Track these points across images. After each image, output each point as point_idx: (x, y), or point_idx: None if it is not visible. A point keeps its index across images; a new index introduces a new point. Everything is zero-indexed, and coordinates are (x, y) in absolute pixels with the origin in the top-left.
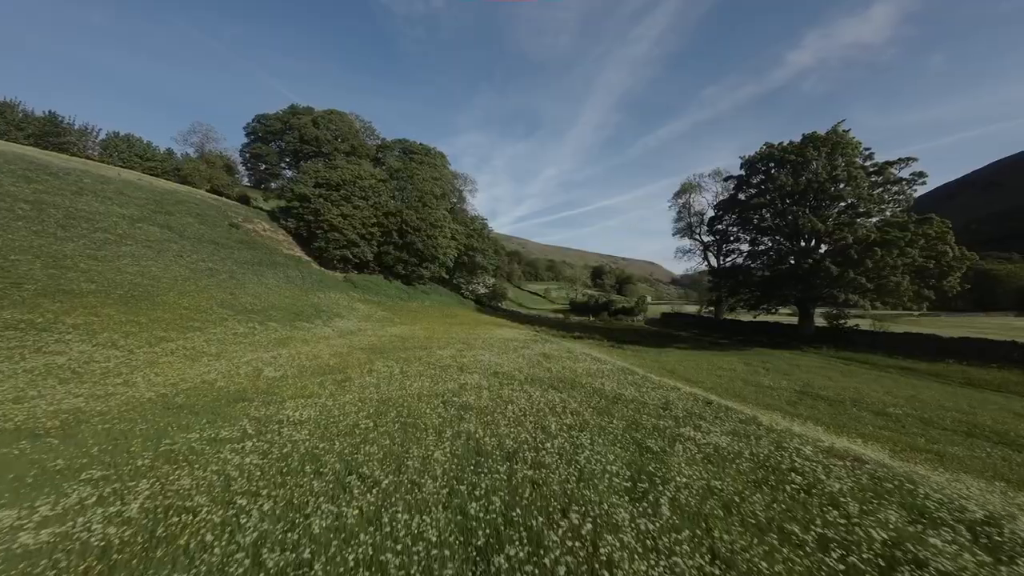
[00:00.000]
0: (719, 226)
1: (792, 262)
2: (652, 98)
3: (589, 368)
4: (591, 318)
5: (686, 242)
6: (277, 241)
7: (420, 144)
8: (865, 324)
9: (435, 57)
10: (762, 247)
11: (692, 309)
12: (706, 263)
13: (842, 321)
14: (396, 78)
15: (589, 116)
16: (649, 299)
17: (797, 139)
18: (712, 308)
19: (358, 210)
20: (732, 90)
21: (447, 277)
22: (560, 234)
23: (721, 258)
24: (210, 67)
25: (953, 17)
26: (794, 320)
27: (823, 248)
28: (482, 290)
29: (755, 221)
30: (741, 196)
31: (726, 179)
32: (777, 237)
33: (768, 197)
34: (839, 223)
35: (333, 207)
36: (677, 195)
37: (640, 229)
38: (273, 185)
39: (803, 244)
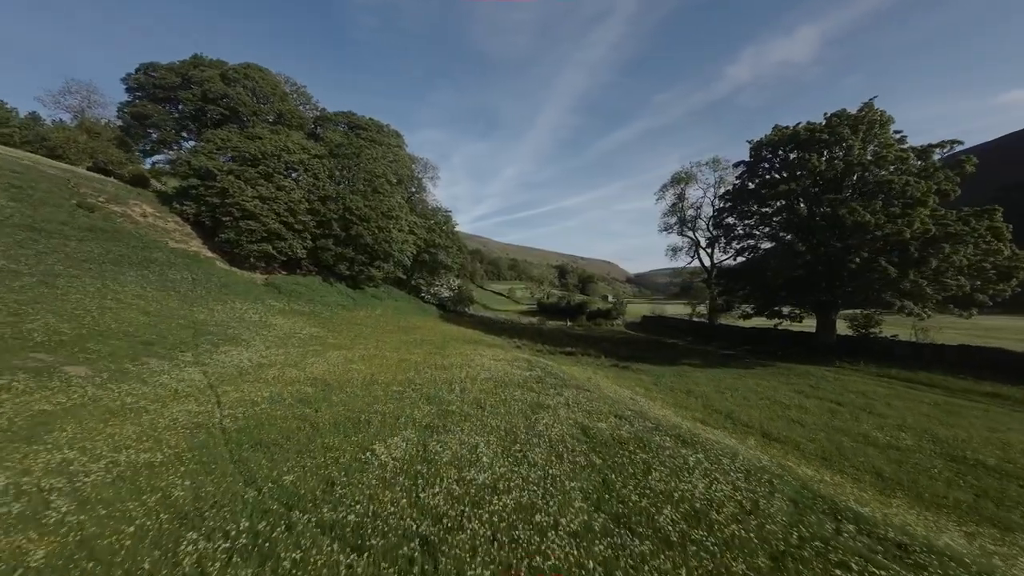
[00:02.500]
0: (728, 219)
1: (832, 260)
2: (607, 102)
3: (724, 498)
4: (568, 323)
5: (675, 238)
6: (162, 231)
7: (370, 119)
8: (903, 333)
9: (392, 49)
10: (786, 242)
11: (673, 310)
12: (698, 261)
13: (874, 330)
14: (348, 67)
15: (547, 117)
16: (609, 298)
17: (751, 143)
18: (695, 310)
19: (283, 192)
20: (681, 98)
21: (405, 278)
22: (520, 233)
23: (733, 256)
24: (136, 39)
25: (865, 43)
26: (801, 327)
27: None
28: (446, 293)
29: (778, 214)
30: (750, 185)
31: (736, 164)
32: (814, 231)
33: (795, 184)
34: (890, 215)
35: (248, 187)
36: (666, 187)
37: (597, 230)
38: (165, 158)
39: (844, 240)
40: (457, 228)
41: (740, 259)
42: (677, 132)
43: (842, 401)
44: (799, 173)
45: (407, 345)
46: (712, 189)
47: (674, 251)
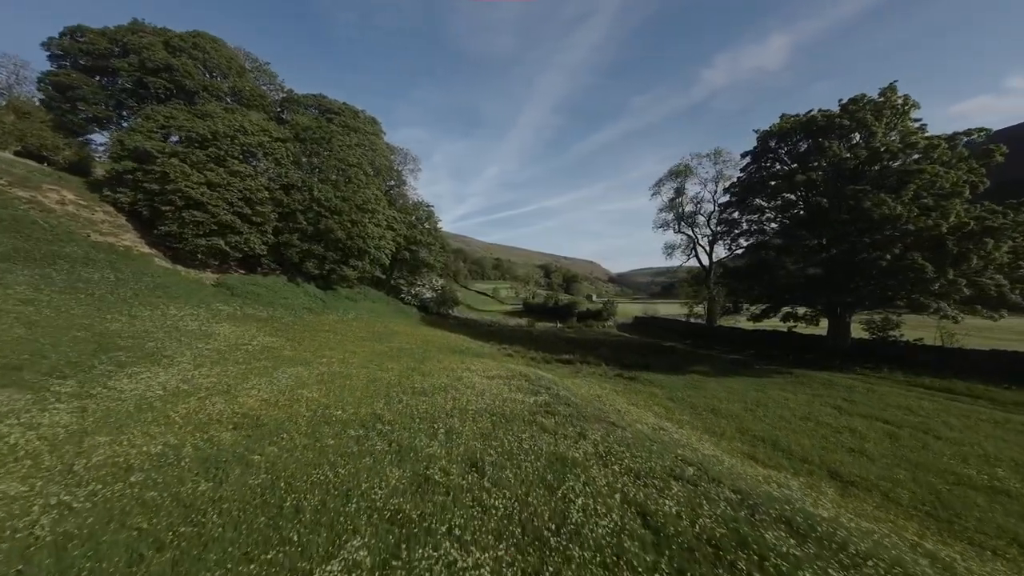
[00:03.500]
0: (733, 214)
1: (856, 257)
2: (589, 103)
3: None
4: (558, 324)
5: (671, 236)
6: (85, 221)
7: (343, 104)
8: (927, 336)
9: (372, 45)
10: (802, 238)
11: (666, 311)
12: (696, 260)
13: (893, 332)
14: (325, 64)
15: (530, 117)
16: (594, 298)
17: (757, 132)
18: (692, 311)
19: (237, 179)
20: (661, 101)
21: (384, 278)
22: (502, 233)
23: (740, 254)
24: None
25: (832, 52)
26: (811, 329)
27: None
28: (428, 294)
29: (791, 207)
30: (759, 177)
31: (743, 155)
32: (834, 226)
33: (815, 175)
34: (922, 207)
35: (194, 171)
36: (662, 182)
37: (579, 230)
38: (97, 140)
39: (870, 234)
40: (440, 226)
41: (746, 257)
42: (657, 134)
43: (891, 420)
44: (814, 163)
45: (380, 358)
46: (713, 184)
47: (671, 249)
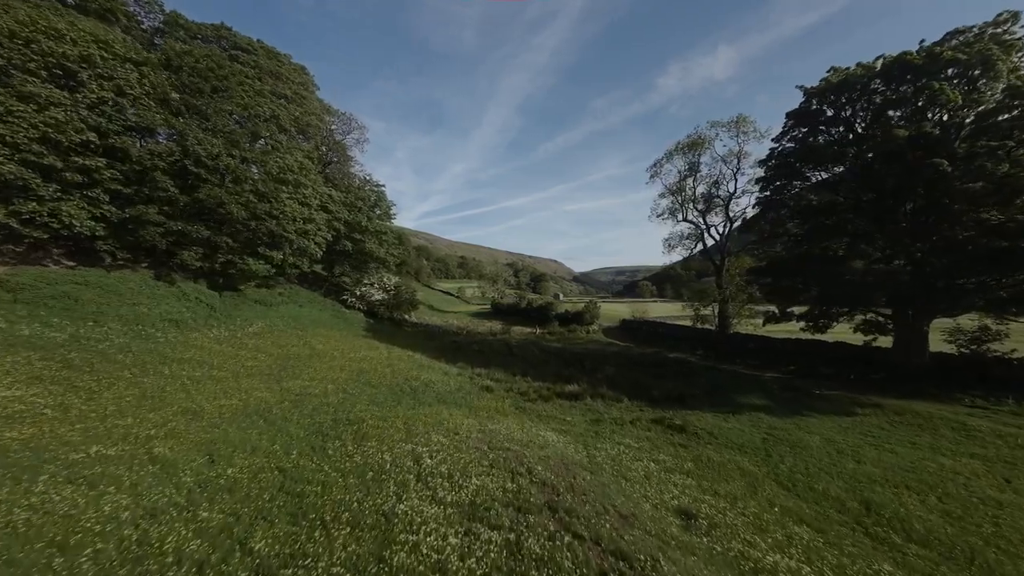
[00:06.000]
0: (775, 194)
1: (990, 242)
2: (552, 106)
3: None
4: (537, 330)
5: (671, 226)
6: None
7: (259, 42)
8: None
9: (326, 32)
10: (886, 218)
11: (656, 312)
12: (703, 251)
13: (993, 347)
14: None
15: (494, 116)
16: (561, 297)
17: (803, 89)
18: (698, 313)
19: (31, 106)
20: (619, 105)
21: (325, 274)
22: (467, 232)
23: (785, 243)
24: None
25: (770, 68)
26: (852, 338)
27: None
28: (378, 295)
29: (873, 175)
30: (820, 140)
31: (788, 114)
32: (949, 198)
33: (926, 128)
34: None
35: None
36: (663, 161)
37: (543, 229)
38: None
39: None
40: (401, 226)
41: (788, 247)
42: (619, 135)
43: None
44: (905, 115)
45: (243, 432)
46: (735, 160)
47: (678, 239)
